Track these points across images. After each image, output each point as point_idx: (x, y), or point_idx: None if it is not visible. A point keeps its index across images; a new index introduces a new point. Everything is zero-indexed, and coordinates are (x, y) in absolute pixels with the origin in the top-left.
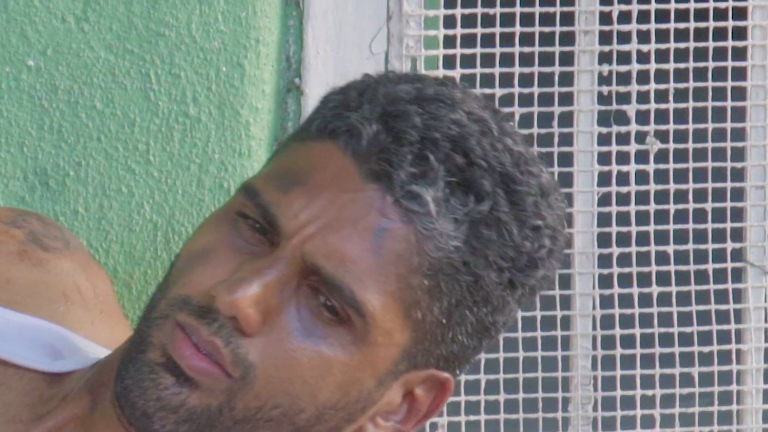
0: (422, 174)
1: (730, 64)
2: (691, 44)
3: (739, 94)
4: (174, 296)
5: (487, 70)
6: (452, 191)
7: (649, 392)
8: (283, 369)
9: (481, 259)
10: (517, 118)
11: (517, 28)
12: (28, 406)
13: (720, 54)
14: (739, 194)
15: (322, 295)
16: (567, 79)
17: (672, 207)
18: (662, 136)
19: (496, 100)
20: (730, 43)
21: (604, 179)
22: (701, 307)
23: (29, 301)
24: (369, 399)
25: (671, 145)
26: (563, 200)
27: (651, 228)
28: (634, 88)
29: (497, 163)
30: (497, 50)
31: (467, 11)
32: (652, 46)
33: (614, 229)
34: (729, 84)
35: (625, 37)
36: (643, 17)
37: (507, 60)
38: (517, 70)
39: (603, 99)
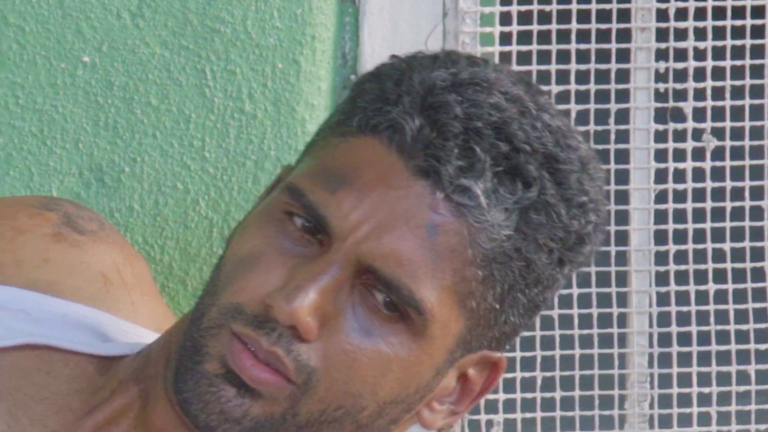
0: (470, 167)
1: None
2: (748, 41)
3: None
4: (226, 304)
5: (543, 67)
6: (500, 181)
7: (706, 390)
8: (344, 370)
9: (532, 244)
10: (573, 115)
11: (574, 25)
12: (77, 394)
13: None
14: None
15: (380, 292)
16: (623, 76)
17: (728, 204)
18: (718, 133)
19: (552, 97)
20: None
21: (660, 176)
22: (758, 305)
23: (68, 282)
24: (427, 388)
25: (727, 143)
26: (601, 168)
27: (707, 225)
28: (690, 85)
29: (540, 145)
30: (553, 47)
31: (523, 8)
32: (708, 43)
33: (671, 226)
34: None
35: (681, 34)
36: (700, 14)
37: (563, 57)
38: (573, 67)
39: (659, 96)
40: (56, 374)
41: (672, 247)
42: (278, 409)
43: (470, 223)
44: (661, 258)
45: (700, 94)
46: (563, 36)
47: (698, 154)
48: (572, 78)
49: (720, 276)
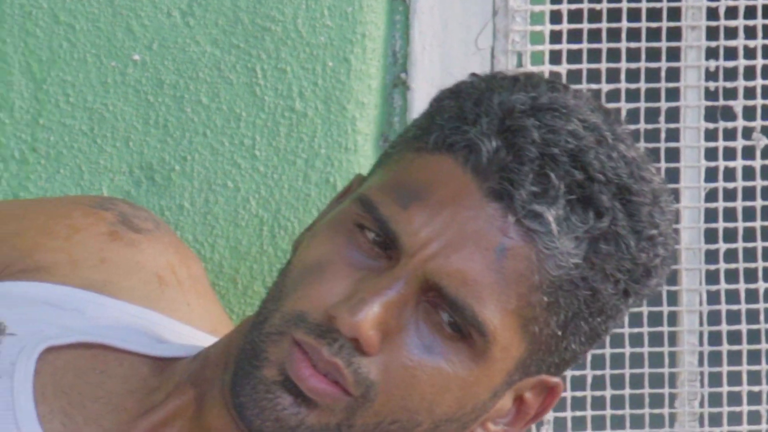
0: (543, 192)
1: None
2: None
3: None
4: (289, 311)
5: (593, 66)
6: (572, 209)
7: (756, 388)
8: (403, 386)
9: (599, 274)
10: (623, 113)
11: (624, 24)
12: (131, 394)
13: None
14: None
15: (444, 311)
16: (673, 74)
17: None
18: None
19: (602, 95)
20: None
21: (710, 175)
22: None
23: (123, 282)
24: (483, 409)
25: None
26: (672, 200)
27: (758, 224)
28: (740, 83)
29: (614, 175)
30: (603, 46)
31: (573, 6)
32: (759, 42)
33: (721, 225)
34: None
35: (731, 33)
36: (750, 12)
37: (613, 55)
38: (623, 65)
39: (710, 95)
40: (111, 374)
41: (722, 246)
42: (334, 420)
43: (539, 248)
44: (711, 256)
45: (750, 93)
46: (613, 34)
47: (748, 153)
48: (622, 76)
49: None
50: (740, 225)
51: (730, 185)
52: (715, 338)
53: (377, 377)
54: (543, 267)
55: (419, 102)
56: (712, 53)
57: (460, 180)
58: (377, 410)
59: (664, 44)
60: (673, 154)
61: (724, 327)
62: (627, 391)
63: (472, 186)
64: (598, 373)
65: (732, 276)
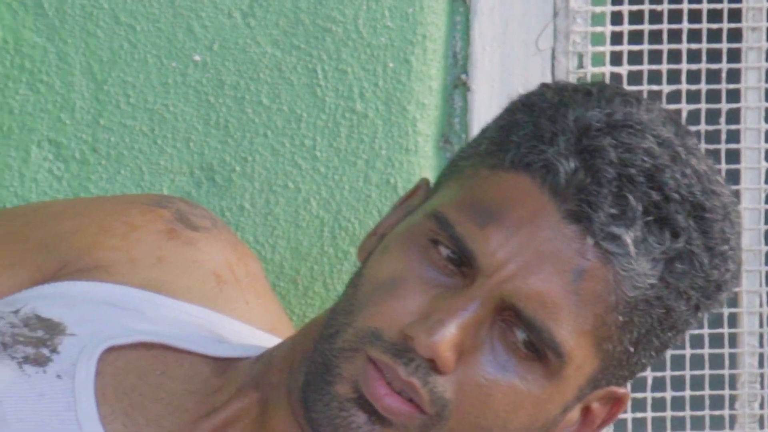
0: (621, 214)
1: None
2: None
3: None
4: (363, 327)
5: (654, 67)
6: (649, 230)
7: None
8: (477, 404)
9: (673, 292)
10: (684, 115)
11: (685, 25)
12: (192, 395)
13: None
14: None
15: (520, 330)
16: (734, 76)
17: None
18: None
19: (663, 97)
20: None
21: None
22: None
23: (181, 281)
24: (553, 422)
25: None
26: (739, 212)
27: None
28: None
29: (688, 193)
30: (665, 47)
31: (634, 8)
32: None
33: None
34: None
35: None
36: None
37: (674, 57)
38: (684, 66)
39: None
40: (171, 374)
41: None
42: None
43: (617, 270)
44: None
45: None
46: (674, 36)
47: None
48: (683, 78)
49: None
50: None
51: None
52: None
53: (452, 396)
54: (619, 288)
55: (480, 103)
56: None
57: (537, 200)
58: (451, 428)
59: (725, 45)
60: (734, 156)
61: None
62: (687, 393)
63: (550, 207)
64: (659, 374)
65: None
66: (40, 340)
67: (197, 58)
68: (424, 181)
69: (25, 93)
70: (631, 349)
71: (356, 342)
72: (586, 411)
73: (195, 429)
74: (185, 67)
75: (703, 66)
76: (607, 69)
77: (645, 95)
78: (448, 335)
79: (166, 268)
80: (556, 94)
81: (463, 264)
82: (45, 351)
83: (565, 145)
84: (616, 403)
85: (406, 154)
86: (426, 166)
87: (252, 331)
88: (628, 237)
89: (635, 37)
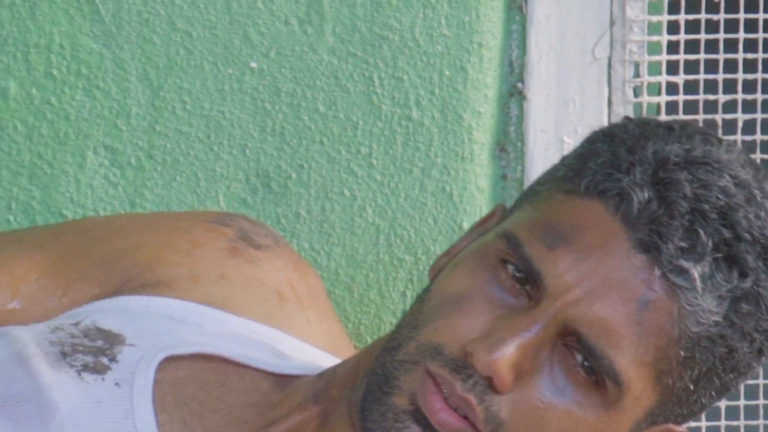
0: (691, 248)
1: None
2: None
3: None
4: (425, 341)
5: (710, 77)
6: (718, 266)
7: None
8: (531, 426)
9: (737, 333)
10: (740, 124)
11: (741, 35)
12: (252, 408)
13: None
14: None
15: (580, 354)
16: None
17: None
18: None
19: (719, 106)
20: None
21: None
22: None
23: (243, 298)
24: None
25: None
26: None
27: None
28: None
29: (760, 235)
30: (720, 57)
31: (691, 17)
32: None
33: None
34: None
35: None
36: None
37: (731, 66)
38: (740, 76)
39: None
40: (231, 387)
41: None
42: None
43: (682, 304)
44: None
45: None
46: (731, 45)
47: None
48: (739, 87)
49: None
50: None
51: None
52: None
53: (507, 416)
54: (683, 322)
55: (535, 111)
56: None
57: (609, 227)
58: None
59: None
60: None
61: None
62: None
63: (621, 235)
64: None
65: None
66: (99, 350)
67: (253, 65)
68: (501, 206)
69: (82, 99)
70: (691, 387)
71: (417, 355)
72: None
73: None
74: (241, 74)
75: (759, 76)
76: (664, 78)
77: (701, 104)
78: (508, 354)
79: (228, 285)
80: (637, 126)
81: (529, 284)
82: (104, 360)
83: (641, 176)
84: None
85: (461, 162)
86: (481, 175)
87: (312, 350)
88: (696, 271)
89: (692, 47)
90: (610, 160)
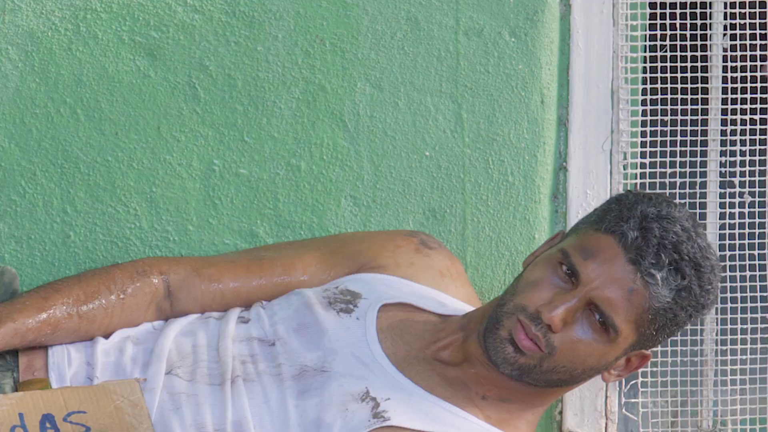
0: (657, 263)
1: None
2: None
3: None
4: (519, 303)
5: (671, 159)
6: (670, 273)
7: None
8: (570, 350)
9: (678, 308)
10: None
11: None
12: (427, 332)
13: None
14: None
15: (597, 314)
16: None
17: None
18: None
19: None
20: None
21: None
22: None
23: (421, 275)
24: (609, 364)
25: None
26: (719, 267)
27: None
28: None
29: (693, 257)
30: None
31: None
32: None
33: None
34: None
35: None
36: None
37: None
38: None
39: None
40: (416, 320)
41: None
42: (532, 362)
43: (650, 291)
44: None
45: None
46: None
47: None
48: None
49: None
50: None
51: None
52: None
53: (558, 344)
54: (651, 301)
55: (574, 180)
56: None
57: (615, 251)
58: (555, 360)
59: None
60: None
61: None
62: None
63: (621, 255)
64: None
65: None
66: (348, 301)
67: None
68: (561, 232)
69: (344, 167)
70: (654, 332)
71: (514, 310)
72: (627, 360)
73: (426, 348)
74: None
75: None
76: (639, 160)
77: (658, 173)
78: (559, 313)
79: (415, 269)
80: (633, 196)
81: (572, 277)
82: (351, 306)
83: (633, 224)
84: (644, 357)
85: (537, 204)
86: (544, 212)
87: (459, 303)
88: (659, 276)
89: (655, 144)
90: (618, 215)
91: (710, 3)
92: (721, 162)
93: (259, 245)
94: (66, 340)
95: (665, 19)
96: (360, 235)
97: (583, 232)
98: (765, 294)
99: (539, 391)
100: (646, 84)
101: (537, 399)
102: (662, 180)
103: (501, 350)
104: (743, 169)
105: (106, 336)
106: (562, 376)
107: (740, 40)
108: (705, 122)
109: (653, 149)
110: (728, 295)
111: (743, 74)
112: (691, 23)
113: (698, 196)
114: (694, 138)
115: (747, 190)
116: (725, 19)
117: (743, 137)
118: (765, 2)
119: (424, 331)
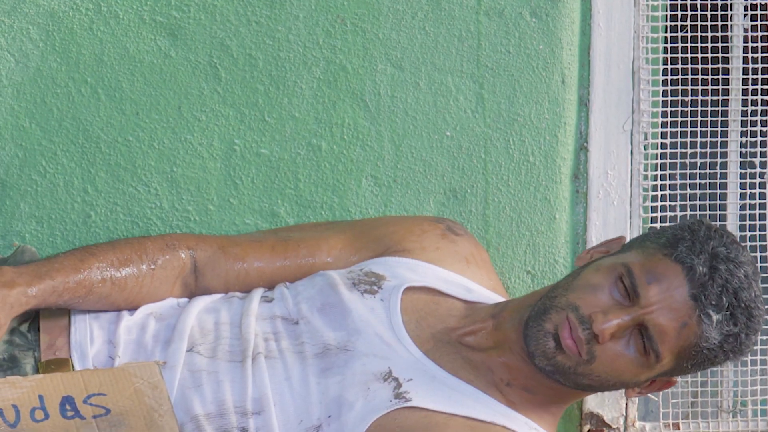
0: (717, 306)
1: None
2: None
3: None
4: (572, 301)
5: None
6: (725, 318)
7: None
8: (609, 363)
9: (721, 351)
10: None
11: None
12: (453, 318)
13: None
14: None
15: (645, 338)
16: None
17: None
18: None
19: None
20: None
21: None
22: None
23: (447, 260)
24: (639, 383)
25: None
26: (764, 315)
27: None
28: None
29: (748, 306)
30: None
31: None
32: None
33: None
34: None
35: None
36: None
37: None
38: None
39: None
40: (440, 304)
41: None
42: (568, 363)
43: (702, 330)
44: None
45: None
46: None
47: None
48: None
49: None
50: None
51: None
52: None
53: (598, 354)
54: (699, 340)
55: (595, 159)
56: None
57: (680, 281)
58: (591, 369)
59: None
60: None
61: None
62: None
63: (685, 287)
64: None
65: None
66: (373, 282)
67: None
68: (622, 237)
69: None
70: (689, 367)
71: (565, 306)
72: (652, 381)
73: (451, 332)
74: None
75: None
76: (659, 140)
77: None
78: (610, 326)
79: (440, 254)
80: (706, 228)
81: (631, 294)
82: (375, 288)
83: (704, 259)
84: (669, 383)
85: (559, 184)
86: (565, 192)
87: (484, 290)
88: (714, 318)
89: (675, 124)
90: (690, 246)
91: None
92: (741, 142)
93: (279, 225)
94: (96, 306)
95: None
96: (386, 219)
97: (651, 252)
98: None
99: (564, 390)
100: (666, 64)
101: (560, 396)
102: (683, 160)
103: (542, 342)
104: (764, 149)
105: (132, 310)
106: (593, 383)
107: (761, 20)
108: (725, 102)
109: (674, 129)
110: None
111: (764, 54)
112: (711, 3)
113: (719, 176)
114: (714, 118)
115: (767, 170)
116: None
117: (764, 117)
118: None
119: (449, 316)
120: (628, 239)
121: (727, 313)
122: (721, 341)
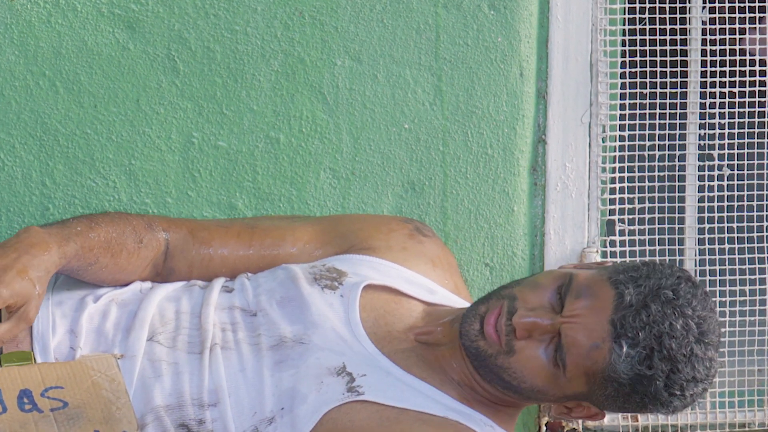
0: (632, 339)
1: None
2: None
3: None
4: (514, 293)
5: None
6: (639, 355)
7: None
8: (524, 361)
9: (633, 392)
10: None
11: None
12: (413, 318)
13: None
14: None
15: (558, 349)
16: None
17: None
18: None
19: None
20: None
21: None
22: None
23: (412, 260)
24: (558, 398)
25: None
26: (704, 380)
27: None
28: None
29: (673, 357)
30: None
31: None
32: None
33: None
34: None
35: None
36: None
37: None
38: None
39: None
40: (400, 304)
41: None
42: (490, 351)
43: (611, 359)
44: None
45: None
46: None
47: None
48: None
49: None
50: None
51: None
52: None
53: (517, 349)
54: (607, 368)
55: (553, 152)
56: None
57: (607, 304)
58: (510, 362)
59: None
60: None
61: None
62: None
63: (608, 312)
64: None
65: None
66: (334, 278)
67: None
68: (603, 261)
69: (254, 141)
70: (604, 398)
71: (506, 296)
72: (578, 405)
73: (409, 332)
74: None
75: None
76: (617, 133)
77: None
78: (526, 322)
79: (406, 254)
80: (669, 270)
81: (561, 302)
82: (336, 283)
83: (639, 293)
84: (596, 414)
85: (517, 176)
86: (523, 183)
87: (447, 293)
88: (626, 350)
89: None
90: (633, 278)
91: None
92: (700, 135)
93: (238, 217)
94: (91, 278)
95: None
96: (354, 216)
97: (600, 273)
98: (743, 267)
99: (501, 395)
100: (625, 57)
101: (501, 400)
102: (641, 153)
103: (469, 322)
104: (722, 141)
105: (97, 297)
106: (513, 381)
107: (719, 12)
108: (684, 95)
109: (632, 122)
110: (714, 267)
111: (722, 47)
112: None
113: (677, 169)
114: (673, 111)
115: (726, 163)
116: None
117: (722, 110)
118: None
119: (408, 316)
120: (585, 232)
121: (642, 351)
122: (632, 380)
